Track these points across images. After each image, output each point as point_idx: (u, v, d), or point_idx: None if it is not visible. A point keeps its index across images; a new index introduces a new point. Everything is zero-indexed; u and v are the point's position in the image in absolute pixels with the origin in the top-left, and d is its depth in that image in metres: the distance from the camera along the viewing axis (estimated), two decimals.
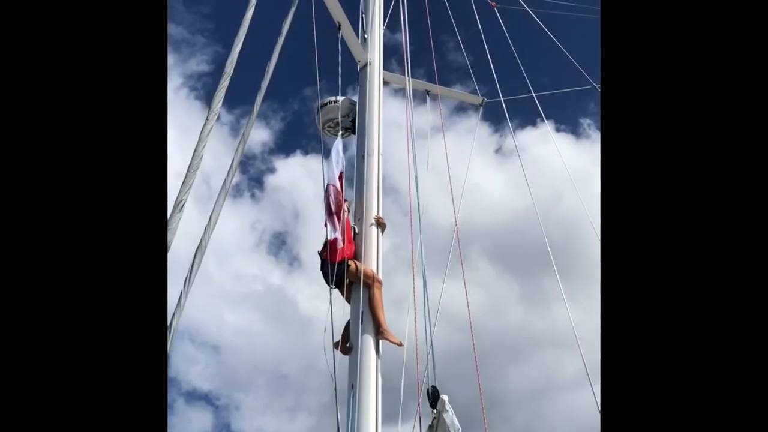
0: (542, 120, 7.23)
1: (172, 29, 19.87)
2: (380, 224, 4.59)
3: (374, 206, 4.67)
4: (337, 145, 4.97)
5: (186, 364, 18.33)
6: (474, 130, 7.75)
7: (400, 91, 6.33)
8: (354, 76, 5.61)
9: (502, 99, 6.76)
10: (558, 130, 17.10)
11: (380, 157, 4.98)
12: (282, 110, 21.23)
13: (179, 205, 3.61)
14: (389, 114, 5.42)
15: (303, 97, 20.20)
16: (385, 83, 5.81)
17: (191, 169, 3.75)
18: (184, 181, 3.69)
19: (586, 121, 19.80)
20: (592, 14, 8.24)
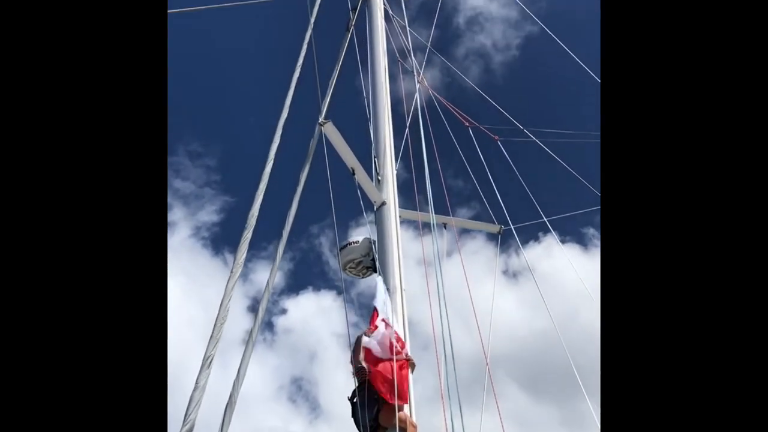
0: (544, 233, 7.33)
1: (180, 184, 20.69)
2: (410, 364, 4.48)
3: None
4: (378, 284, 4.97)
5: None
6: (479, 251, 7.82)
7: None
8: (367, 206, 5.77)
9: (512, 227, 6.89)
10: (563, 242, 17.01)
11: (403, 293, 5.00)
12: (289, 250, 21.54)
13: (208, 360, 3.59)
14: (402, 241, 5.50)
15: (309, 235, 20.56)
16: (402, 219, 5.96)
17: (218, 323, 3.76)
18: (211, 336, 3.70)
19: (590, 231, 19.76)
20: (592, 139, 8.58)
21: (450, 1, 19.83)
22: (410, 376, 4.44)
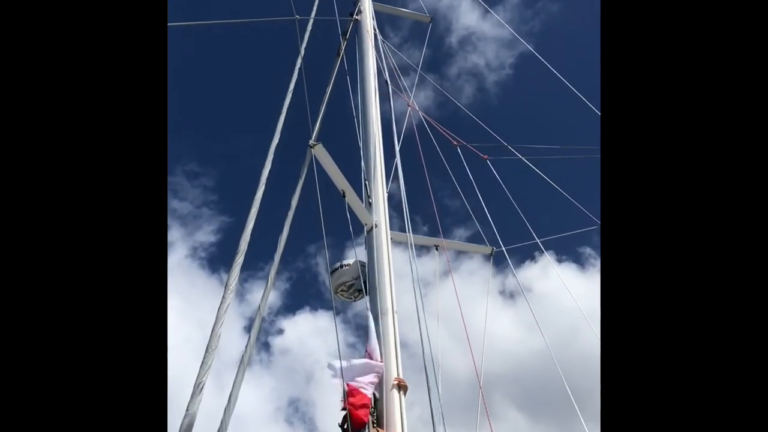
0: (540, 253, 7.33)
1: (177, 204, 20.66)
2: (402, 387, 4.46)
3: (393, 368, 4.60)
4: None
5: None
6: (476, 272, 7.82)
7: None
8: (358, 227, 5.78)
9: (504, 249, 6.91)
10: (560, 261, 17.02)
11: (395, 316, 4.99)
12: (286, 270, 21.49)
13: (199, 387, 3.57)
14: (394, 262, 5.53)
15: (306, 255, 20.49)
16: (394, 241, 5.97)
17: (209, 350, 3.75)
18: (203, 362, 3.68)
19: (587, 250, 19.74)
20: (580, 155, 8.64)
21: (442, 22, 20.01)
22: (403, 400, 4.44)
